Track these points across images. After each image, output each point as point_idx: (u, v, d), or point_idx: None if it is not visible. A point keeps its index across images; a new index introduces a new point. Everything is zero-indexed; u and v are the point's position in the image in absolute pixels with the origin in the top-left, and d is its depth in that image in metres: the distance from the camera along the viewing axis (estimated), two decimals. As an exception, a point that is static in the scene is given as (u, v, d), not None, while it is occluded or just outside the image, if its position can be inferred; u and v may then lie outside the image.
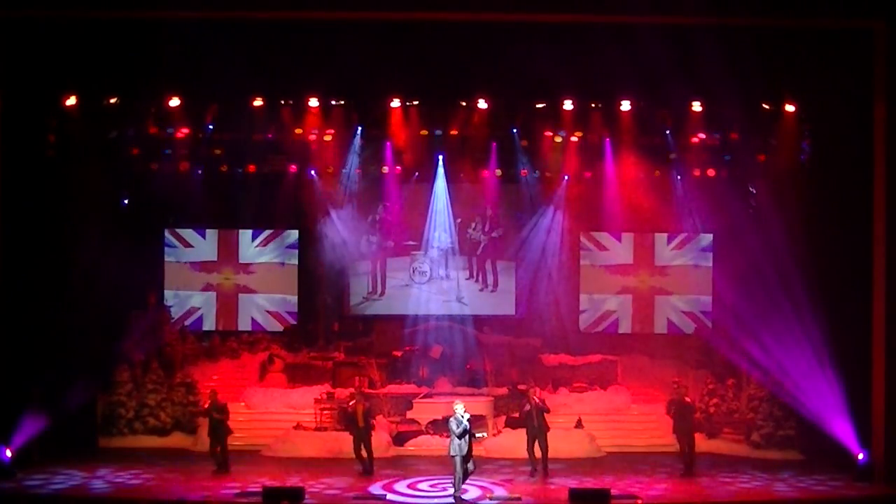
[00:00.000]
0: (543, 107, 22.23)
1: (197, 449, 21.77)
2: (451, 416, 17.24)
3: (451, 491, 17.20)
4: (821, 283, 19.97)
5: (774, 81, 19.83)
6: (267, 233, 26.53)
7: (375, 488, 18.35)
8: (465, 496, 17.31)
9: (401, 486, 18.53)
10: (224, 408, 20.02)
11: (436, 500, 17.45)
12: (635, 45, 18.60)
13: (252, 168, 25.23)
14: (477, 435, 17.41)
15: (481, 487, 18.32)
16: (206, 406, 20.14)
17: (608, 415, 24.12)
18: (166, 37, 18.49)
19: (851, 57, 19.08)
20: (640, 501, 17.16)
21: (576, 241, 26.22)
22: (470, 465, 17.14)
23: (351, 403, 20.02)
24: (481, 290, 26.65)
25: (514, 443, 21.71)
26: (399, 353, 25.33)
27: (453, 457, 17.03)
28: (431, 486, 18.44)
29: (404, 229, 26.14)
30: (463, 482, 17.19)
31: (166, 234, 26.14)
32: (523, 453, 20.08)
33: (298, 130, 23.19)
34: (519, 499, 17.61)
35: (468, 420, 17.06)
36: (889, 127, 18.85)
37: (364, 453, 19.59)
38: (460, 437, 16.97)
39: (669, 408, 20.11)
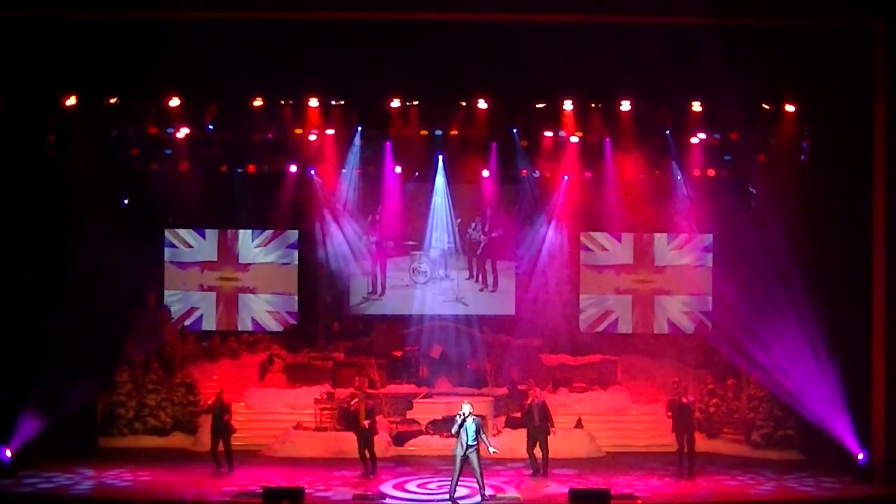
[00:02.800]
0: (543, 107, 22.21)
1: (197, 449, 21.79)
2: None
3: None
4: (821, 283, 19.97)
5: (774, 81, 19.81)
6: (267, 233, 26.51)
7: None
8: (458, 495, 17.40)
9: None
10: (229, 408, 20.02)
11: (437, 500, 17.44)
12: (635, 45, 18.59)
13: (252, 168, 25.22)
14: (490, 450, 17.51)
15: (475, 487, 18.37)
16: (212, 405, 20.10)
17: (608, 415, 24.16)
18: (166, 37, 18.46)
19: (851, 57, 19.08)
20: (640, 501, 17.16)
21: (576, 241, 26.20)
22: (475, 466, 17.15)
23: (353, 402, 20.00)
24: (481, 290, 26.63)
25: (514, 443, 21.69)
26: (399, 353, 25.33)
27: (454, 455, 17.17)
28: (439, 486, 18.39)
29: (404, 229, 26.12)
30: (480, 483, 17.22)
31: (166, 234, 26.12)
32: (523, 453, 20.10)
33: (298, 130, 23.16)
34: (518, 499, 17.62)
35: (470, 419, 17.04)
36: (889, 127, 18.85)
37: (367, 454, 19.60)
38: (455, 435, 17.11)
39: (669, 407, 20.13)
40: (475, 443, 16.95)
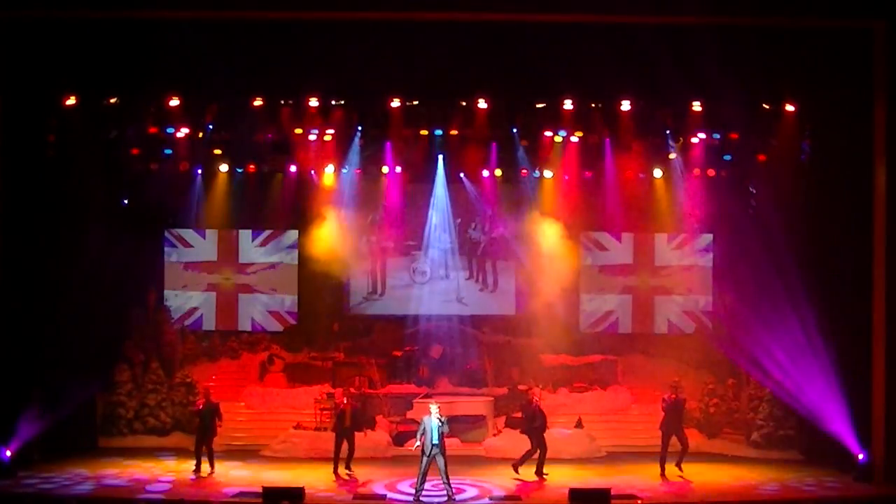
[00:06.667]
0: (543, 107, 22.20)
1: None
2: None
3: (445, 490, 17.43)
4: (821, 283, 19.98)
5: (774, 81, 19.83)
6: (267, 233, 26.46)
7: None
8: (460, 496, 17.47)
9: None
10: (216, 407, 20.03)
11: (436, 500, 17.44)
12: (635, 45, 18.61)
13: (252, 168, 25.21)
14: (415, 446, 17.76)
15: (477, 487, 18.37)
16: (202, 404, 20.13)
17: (608, 415, 24.18)
18: (166, 37, 18.45)
19: (851, 57, 19.10)
20: (640, 501, 17.17)
21: (576, 241, 26.18)
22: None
23: (343, 402, 20.08)
24: (481, 290, 26.60)
25: (514, 443, 21.71)
26: (399, 353, 25.32)
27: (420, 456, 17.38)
28: (433, 485, 18.35)
29: (404, 229, 26.09)
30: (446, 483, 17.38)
31: (166, 234, 26.09)
32: (523, 453, 20.08)
33: (298, 130, 23.13)
34: (518, 498, 17.62)
35: (435, 419, 17.26)
36: (889, 127, 18.86)
37: (345, 453, 19.73)
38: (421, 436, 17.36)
39: (663, 406, 20.17)
40: (439, 443, 17.15)
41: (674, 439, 19.94)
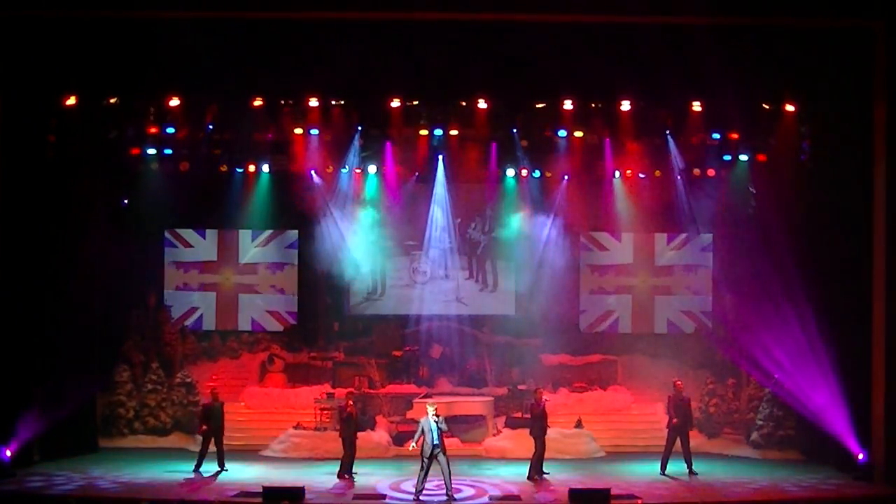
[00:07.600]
0: (543, 107, 22.20)
1: (197, 449, 21.74)
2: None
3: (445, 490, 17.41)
4: (821, 283, 19.98)
5: (774, 81, 19.82)
6: (267, 233, 26.47)
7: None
8: (459, 495, 17.48)
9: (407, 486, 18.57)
10: (222, 407, 20.05)
11: (436, 500, 17.43)
12: (635, 45, 18.61)
13: (252, 168, 25.21)
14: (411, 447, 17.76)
15: (477, 487, 18.36)
16: (207, 404, 20.14)
17: (608, 415, 24.18)
18: (166, 37, 18.45)
19: (851, 57, 19.11)
20: (640, 501, 17.17)
21: (576, 241, 26.18)
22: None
23: (349, 404, 20.04)
24: (481, 290, 26.62)
25: (514, 443, 21.74)
26: (399, 353, 25.34)
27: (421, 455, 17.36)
28: (437, 486, 18.35)
29: (404, 229, 26.08)
30: (448, 483, 17.36)
31: (166, 234, 26.10)
32: (523, 453, 20.07)
33: (298, 130, 23.14)
34: (518, 498, 17.62)
35: (433, 420, 17.23)
36: (889, 127, 18.87)
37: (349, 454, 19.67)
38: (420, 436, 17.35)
39: (670, 405, 20.13)
40: (439, 442, 17.14)
41: (678, 442, 19.89)
